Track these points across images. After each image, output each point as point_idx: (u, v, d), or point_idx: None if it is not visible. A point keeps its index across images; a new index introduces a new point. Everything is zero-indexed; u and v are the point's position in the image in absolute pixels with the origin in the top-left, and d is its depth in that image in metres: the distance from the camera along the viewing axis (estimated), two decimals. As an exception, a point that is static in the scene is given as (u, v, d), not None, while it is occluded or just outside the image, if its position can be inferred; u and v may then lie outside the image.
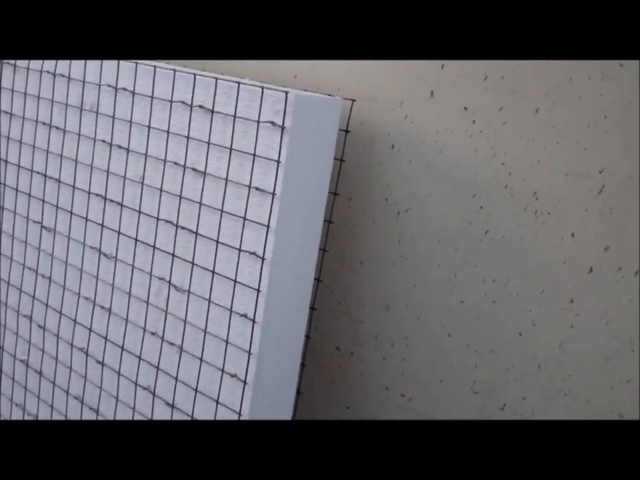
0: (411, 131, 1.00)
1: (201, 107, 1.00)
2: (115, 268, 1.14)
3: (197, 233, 1.03)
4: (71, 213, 1.20)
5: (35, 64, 1.22)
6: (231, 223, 0.99)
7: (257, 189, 0.95)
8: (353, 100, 1.01)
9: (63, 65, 1.18)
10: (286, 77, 1.11)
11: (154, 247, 1.08)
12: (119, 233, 1.13)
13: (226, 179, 0.99)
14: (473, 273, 0.98)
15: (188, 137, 1.02)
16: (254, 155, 0.95)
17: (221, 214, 1.00)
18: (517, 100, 0.90)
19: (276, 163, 0.93)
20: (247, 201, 0.96)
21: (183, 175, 1.03)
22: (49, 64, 1.20)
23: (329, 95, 0.99)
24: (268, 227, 0.95)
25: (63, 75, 1.18)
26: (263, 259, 0.95)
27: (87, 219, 1.18)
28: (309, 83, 1.09)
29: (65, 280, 1.22)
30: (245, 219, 0.97)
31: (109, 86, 1.11)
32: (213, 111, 0.99)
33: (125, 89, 1.09)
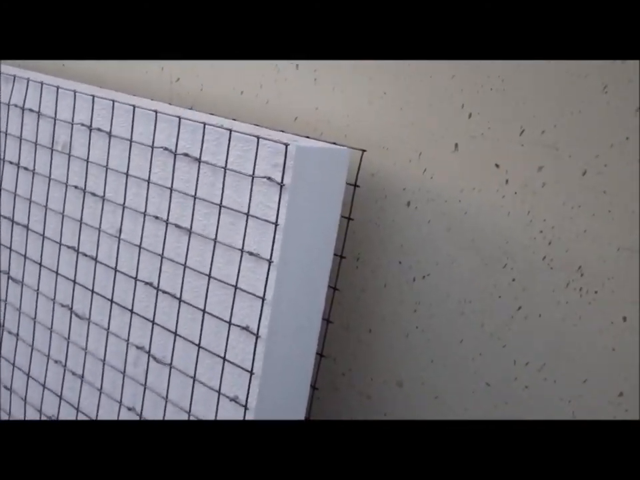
0: (431, 187, 0.86)
1: (186, 154, 0.86)
2: (88, 330, 1.01)
3: (180, 299, 0.89)
4: (40, 264, 1.06)
5: (3, 96, 1.08)
6: (219, 290, 0.85)
7: (251, 253, 0.81)
8: (363, 150, 0.87)
9: (32, 99, 1.04)
10: (285, 119, 0.97)
11: (131, 310, 0.94)
12: (92, 291, 0.99)
13: (215, 240, 0.85)
14: (501, 353, 0.84)
15: (171, 189, 0.88)
16: (247, 214, 0.81)
17: (209, 279, 0.86)
18: (560, 159, 0.76)
19: (273, 225, 0.79)
20: (239, 267, 0.83)
21: (165, 231, 0.90)
22: (16, 97, 1.06)
23: (335, 144, 0.85)
24: (263, 298, 0.81)
25: (32, 110, 1.04)
26: (257, 335, 0.81)
27: (57, 273, 1.04)
28: (311, 127, 0.95)
29: (33, 339, 1.08)
30: (236, 287, 0.83)
31: (83, 125, 0.97)
32: (200, 160, 0.85)
33: (100, 129, 0.95)
